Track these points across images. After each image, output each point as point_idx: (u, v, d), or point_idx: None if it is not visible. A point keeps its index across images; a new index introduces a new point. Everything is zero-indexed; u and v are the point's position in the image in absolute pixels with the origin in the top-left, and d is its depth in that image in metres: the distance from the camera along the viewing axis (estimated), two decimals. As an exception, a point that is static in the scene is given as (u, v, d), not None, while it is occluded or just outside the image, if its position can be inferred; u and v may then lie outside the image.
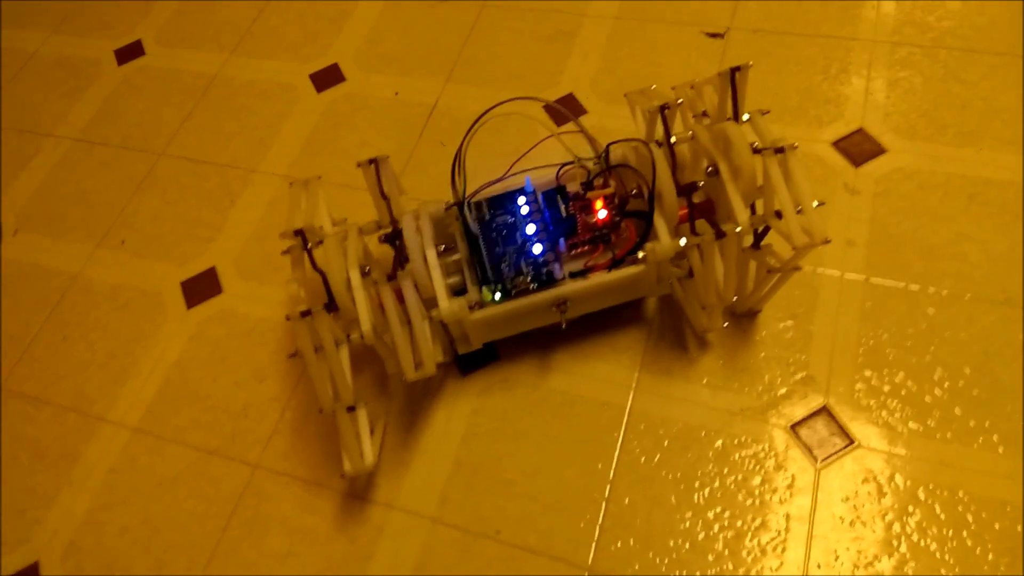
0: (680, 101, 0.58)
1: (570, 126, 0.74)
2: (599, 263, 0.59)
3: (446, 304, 0.57)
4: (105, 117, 0.91)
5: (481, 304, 0.59)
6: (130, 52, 0.97)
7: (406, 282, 0.57)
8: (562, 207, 0.61)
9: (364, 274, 0.56)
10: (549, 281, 0.59)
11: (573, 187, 0.62)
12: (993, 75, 0.76)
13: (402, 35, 0.91)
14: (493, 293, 0.58)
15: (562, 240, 0.59)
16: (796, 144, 0.54)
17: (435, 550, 0.59)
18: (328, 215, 0.65)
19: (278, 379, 0.69)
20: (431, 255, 0.58)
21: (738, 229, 0.54)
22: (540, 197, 0.62)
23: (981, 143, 0.72)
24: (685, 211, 0.59)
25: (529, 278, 0.59)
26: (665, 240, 0.57)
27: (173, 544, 0.62)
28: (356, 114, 0.85)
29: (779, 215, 0.55)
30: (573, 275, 0.59)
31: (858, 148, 0.74)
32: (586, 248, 0.60)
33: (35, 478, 0.67)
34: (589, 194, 0.60)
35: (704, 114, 0.62)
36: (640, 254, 0.58)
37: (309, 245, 0.58)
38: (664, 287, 0.62)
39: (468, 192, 0.62)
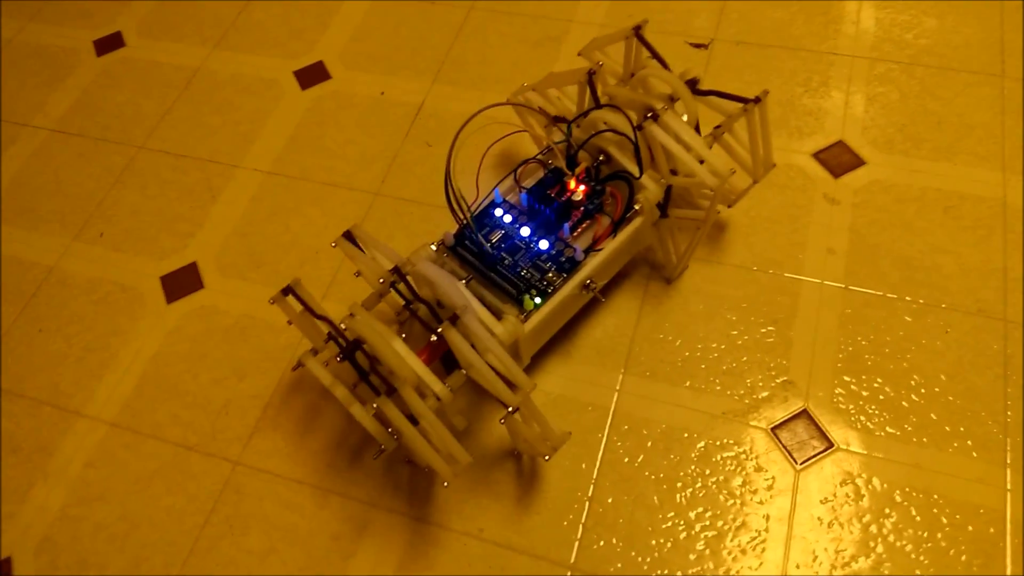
0: (601, 64, 0.64)
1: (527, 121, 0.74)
2: (602, 231, 0.61)
3: (501, 328, 0.56)
4: (83, 108, 0.90)
5: (527, 314, 0.59)
6: (110, 43, 0.96)
7: (456, 330, 0.54)
8: (552, 194, 0.62)
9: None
10: (573, 266, 0.60)
11: (530, 182, 0.63)
12: (967, 93, 0.78)
13: (389, 34, 0.91)
14: (533, 298, 0.58)
15: (566, 225, 0.60)
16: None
17: (418, 548, 0.59)
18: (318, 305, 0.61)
19: (259, 376, 0.68)
20: (465, 291, 0.56)
21: (662, 107, 0.60)
22: (523, 198, 0.63)
23: (956, 158, 0.74)
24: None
25: (554, 272, 0.60)
26: (651, 186, 0.61)
27: (150, 541, 0.61)
28: (341, 112, 0.85)
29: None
30: (587, 252, 0.61)
31: (837, 160, 0.76)
32: (586, 224, 0.62)
33: (8, 472, 0.65)
34: (576, 170, 0.62)
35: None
36: (637, 206, 0.61)
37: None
38: (656, 231, 0.66)
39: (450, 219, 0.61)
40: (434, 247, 0.61)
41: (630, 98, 0.63)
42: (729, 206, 0.69)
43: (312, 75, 0.89)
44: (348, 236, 0.60)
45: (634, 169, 0.61)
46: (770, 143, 0.65)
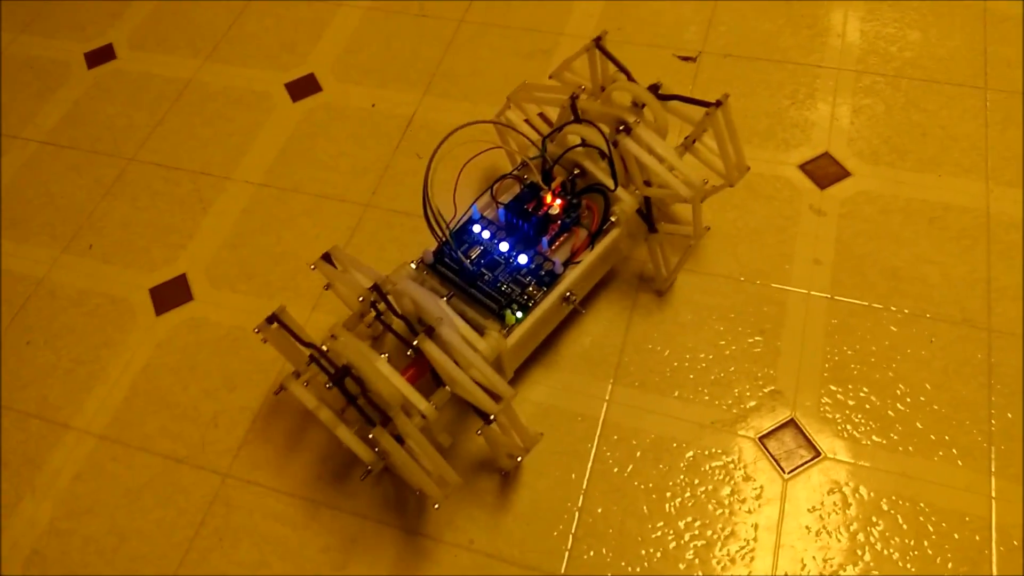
0: (583, 87, 0.65)
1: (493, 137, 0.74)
2: (580, 244, 0.62)
3: (484, 344, 0.56)
4: (74, 120, 0.90)
5: (509, 328, 0.59)
6: (101, 55, 0.96)
7: (432, 342, 0.54)
8: (529, 209, 0.63)
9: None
10: (553, 280, 0.60)
11: (507, 197, 0.64)
12: (952, 104, 0.79)
13: (380, 47, 0.92)
14: (514, 313, 0.59)
15: (544, 240, 0.61)
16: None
17: (408, 560, 0.59)
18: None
19: (249, 388, 0.68)
20: (444, 306, 0.57)
21: (634, 119, 0.61)
22: (500, 214, 0.63)
23: (940, 169, 0.75)
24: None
25: (535, 285, 0.60)
26: (626, 198, 0.62)
27: (140, 554, 0.61)
28: (332, 124, 0.86)
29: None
30: (565, 264, 0.61)
31: (824, 171, 0.76)
32: (563, 238, 0.63)
33: (-5, 486, 0.65)
34: (552, 184, 0.63)
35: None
36: (613, 218, 0.62)
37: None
38: (635, 242, 0.67)
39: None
40: (414, 265, 0.61)
41: (601, 112, 0.63)
42: (700, 201, 0.70)
43: (303, 87, 0.89)
44: (327, 258, 0.60)
45: (609, 182, 0.62)
46: (740, 147, 0.66)
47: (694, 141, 0.66)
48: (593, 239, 0.62)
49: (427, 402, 0.53)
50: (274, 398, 0.67)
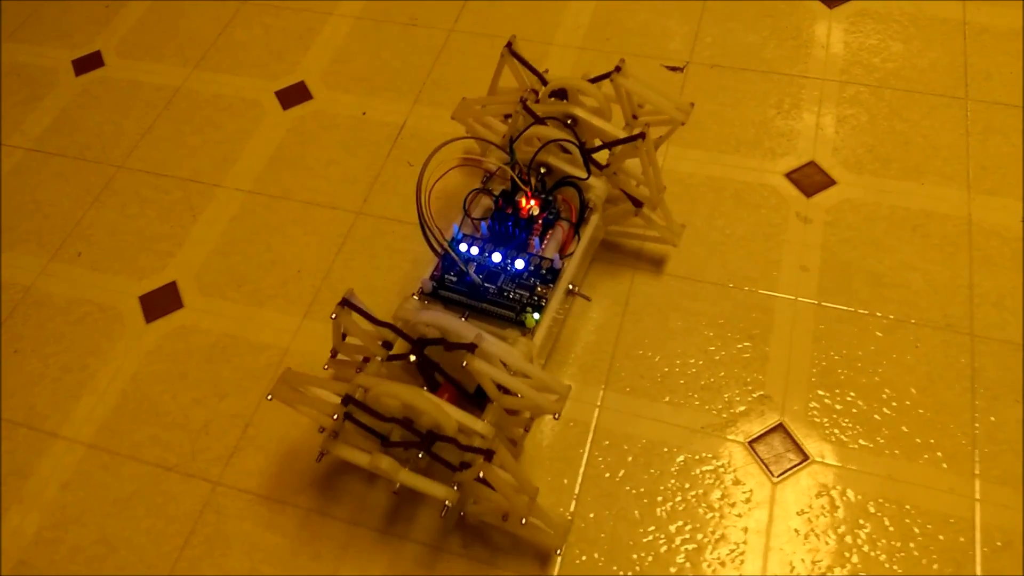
0: (531, 89, 0.69)
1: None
2: (566, 236, 0.64)
3: (517, 352, 0.57)
4: (62, 127, 0.90)
5: (531, 331, 0.59)
6: (89, 63, 0.96)
7: (481, 360, 0.54)
8: (511, 213, 0.64)
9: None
10: (555, 275, 0.61)
11: (480, 210, 0.65)
12: (933, 114, 0.81)
13: (370, 55, 0.92)
14: (532, 315, 0.59)
15: (537, 240, 0.62)
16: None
17: (401, 566, 0.59)
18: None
19: (240, 396, 0.68)
20: (469, 326, 0.58)
21: (644, 123, 0.65)
22: (483, 227, 0.64)
23: (923, 178, 0.76)
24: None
25: (541, 285, 0.61)
26: (597, 184, 0.66)
27: (129, 563, 0.61)
28: (323, 132, 0.86)
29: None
30: (561, 258, 0.62)
31: (809, 180, 0.78)
32: (549, 234, 0.64)
33: (-18, 495, 0.65)
34: (520, 193, 0.64)
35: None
36: (590, 205, 0.65)
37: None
38: (605, 226, 0.71)
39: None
40: (416, 296, 0.61)
41: (552, 110, 0.66)
42: (656, 147, 0.72)
43: (294, 95, 0.90)
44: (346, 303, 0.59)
45: (579, 172, 0.64)
46: (661, 95, 0.69)
47: (635, 115, 0.70)
48: (577, 228, 0.64)
49: (483, 424, 0.54)
50: (265, 406, 0.67)
